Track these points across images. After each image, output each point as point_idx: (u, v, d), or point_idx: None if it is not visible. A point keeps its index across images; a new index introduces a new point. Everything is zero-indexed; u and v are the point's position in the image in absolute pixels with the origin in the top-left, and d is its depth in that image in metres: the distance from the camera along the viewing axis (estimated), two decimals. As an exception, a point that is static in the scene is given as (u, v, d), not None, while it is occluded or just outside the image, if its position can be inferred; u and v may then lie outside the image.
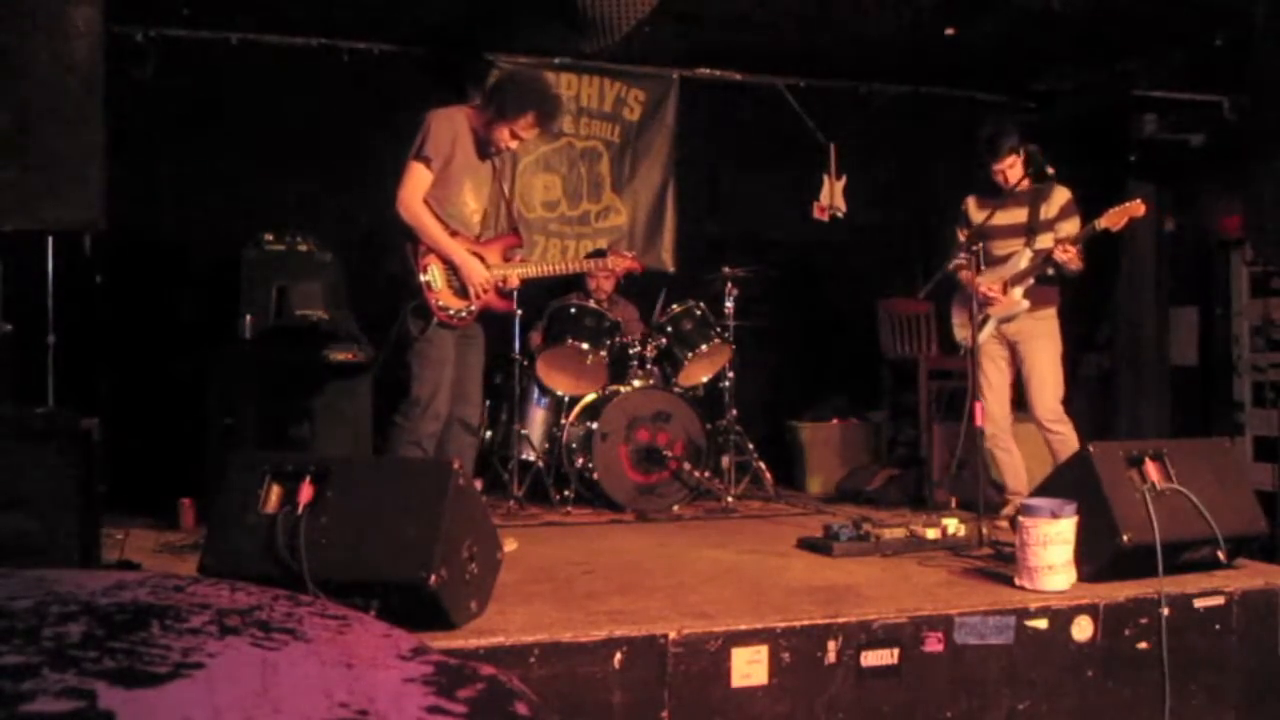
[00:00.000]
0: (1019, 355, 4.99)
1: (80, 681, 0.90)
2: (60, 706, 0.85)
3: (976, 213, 5.06)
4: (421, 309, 4.06)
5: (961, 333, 5.17)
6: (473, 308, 4.16)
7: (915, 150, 7.34)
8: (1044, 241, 4.87)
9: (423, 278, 4.05)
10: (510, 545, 3.81)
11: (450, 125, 4.11)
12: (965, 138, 7.27)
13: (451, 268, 4.10)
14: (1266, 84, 5.11)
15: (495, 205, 4.43)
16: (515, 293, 4.48)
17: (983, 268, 4.93)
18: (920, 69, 7.06)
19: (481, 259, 4.19)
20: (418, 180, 4.04)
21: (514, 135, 4.17)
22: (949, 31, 6.21)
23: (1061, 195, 4.94)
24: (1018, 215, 4.96)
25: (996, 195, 4.97)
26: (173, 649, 1.01)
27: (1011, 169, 4.88)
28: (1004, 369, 5.05)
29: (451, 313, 4.10)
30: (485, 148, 4.23)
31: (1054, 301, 5.00)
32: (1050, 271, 4.91)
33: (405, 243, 4.07)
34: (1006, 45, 6.43)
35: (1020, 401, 5.12)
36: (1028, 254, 4.88)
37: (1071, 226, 4.84)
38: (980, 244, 4.92)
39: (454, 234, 4.14)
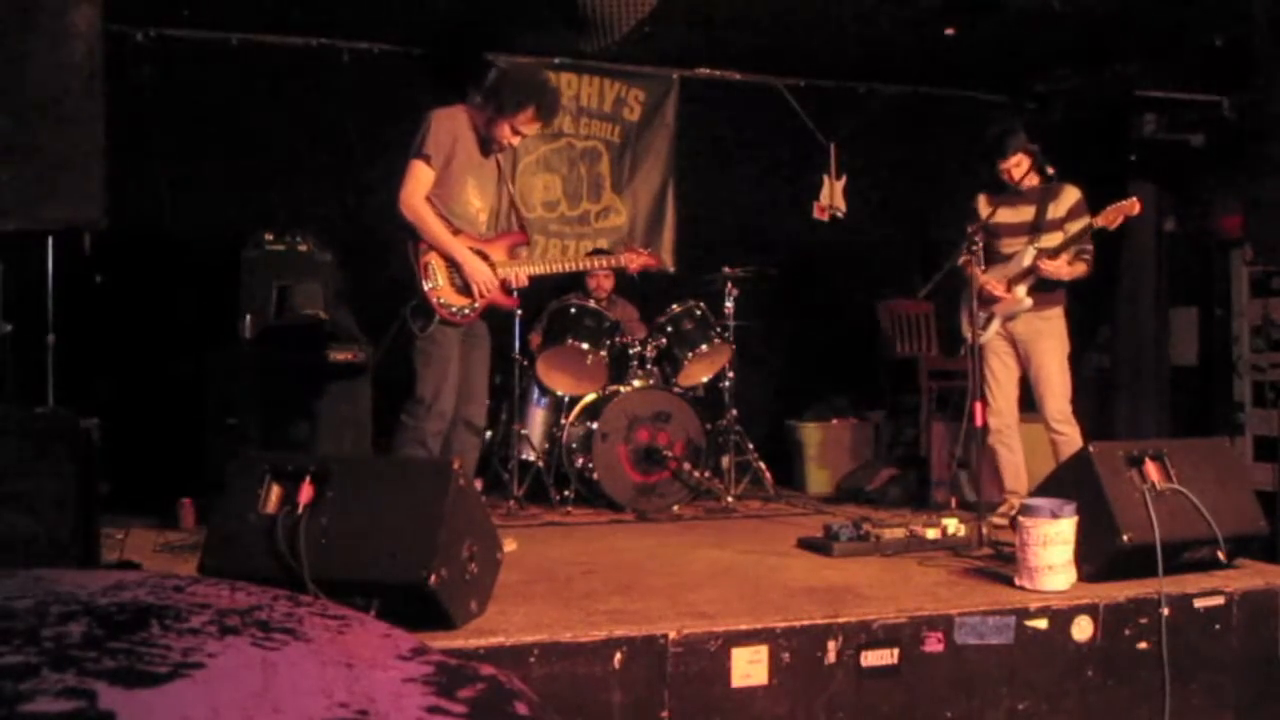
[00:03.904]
0: (1026, 355, 4.97)
1: (80, 681, 0.90)
2: (60, 706, 0.85)
3: (985, 209, 5.04)
4: (422, 307, 4.03)
5: (968, 329, 5.15)
6: (476, 305, 4.13)
7: (915, 151, 7.34)
8: (1049, 240, 4.86)
9: (424, 276, 4.02)
10: (510, 545, 3.81)
11: (451, 123, 4.10)
12: (965, 138, 7.31)
13: (454, 265, 4.08)
14: (1267, 84, 5.10)
15: (503, 203, 4.41)
16: (516, 290, 4.46)
17: (988, 265, 4.96)
18: (920, 69, 7.06)
19: (485, 256, 4.17)
20: (419, 178, 4.02)
21: (515, 131, 4.16)
22: (949, 31, 6.21)
23: (1071, 195, 4.92)
24: (1024, 213, 4.95)
25: (1006, 193, 4.97)
26: (173, 649, 1.01)
27: (1017, 167, 4.88)
28: (1011, 366, 5.03)
29: (454, 310, 4.07)
30: (488, 145, 4.22)
31: (1060, 301, 4.98)
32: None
33: (407, 241, 4.05)
34: (1006, 45, 6.43)
35: (1026, 401, 5.12)
36: (1030, 252, 4.86)
37: (1081, 225, 4.80)
38: (986, 241, 4.95)
39: (457, 232, 4.12)
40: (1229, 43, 5.88)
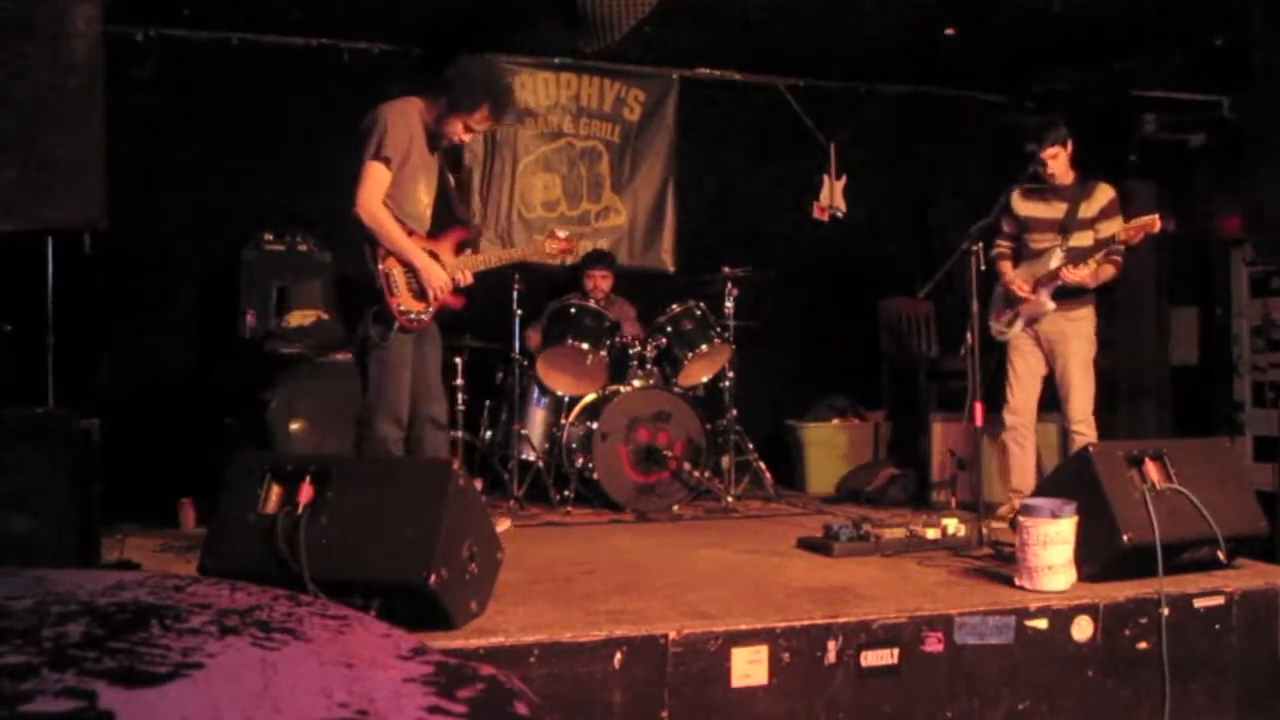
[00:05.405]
0: (1052, 355, 4.96)
1: (80, 681, 0.90)
2: (60, 706, 0.85)
3: (1020, 204, 5.02)
4: (382, 314, 3.96)
5: (994, 326, 5.13)
6: (431, 309, 4.08)
7: (915, 150, 7.35)
8: (1078, 240, 4.83)
9: (385, 284, 3.95)
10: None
11: (405, 121, 4.01)
12: (965, 138, 7.33)
13: (410, 270, 4.01)
14: (1267, 83, 5.10)
15: (443, 197, 4.33)
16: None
17: (1020, 260, 5.01)
18: (920, 69, 7.07)
19: (436, 257, 4.11)
20: (377, 181, 3.93)
21: (468, 128, 4.09)
22: (949, 31, 6.21)
23: (1104, 195, 4.87)
24: (1056, 209, 4.92)
25: (1040, 187, 4.95)
26: (173, 649, 1.01)
27: (1053, 160, 4.83)
28: (1035, 365, 5.02)
29: (412, 316, 4.01)
30: (436, 141, 4.14)
31: (1089, 302, 4.96)
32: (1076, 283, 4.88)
33: (365, 245, 3.97)
34: (1006, 45, 6.43)
35: (1047, 401, 5.11)
36: (1058, 255, 4.83)
37: (1112, 227, 4.76)
38: (1018, 235, 5.01)
39: (411, 233, 4.06)
40: (1229, 43, 5.88)
